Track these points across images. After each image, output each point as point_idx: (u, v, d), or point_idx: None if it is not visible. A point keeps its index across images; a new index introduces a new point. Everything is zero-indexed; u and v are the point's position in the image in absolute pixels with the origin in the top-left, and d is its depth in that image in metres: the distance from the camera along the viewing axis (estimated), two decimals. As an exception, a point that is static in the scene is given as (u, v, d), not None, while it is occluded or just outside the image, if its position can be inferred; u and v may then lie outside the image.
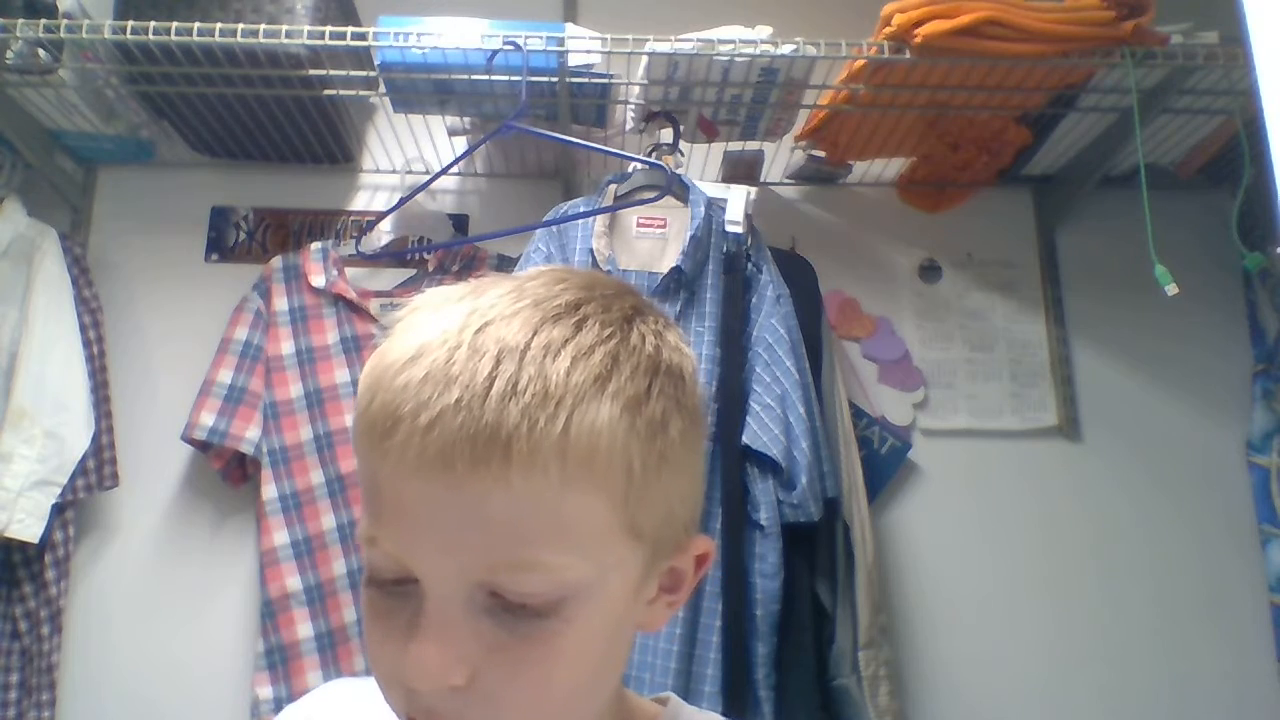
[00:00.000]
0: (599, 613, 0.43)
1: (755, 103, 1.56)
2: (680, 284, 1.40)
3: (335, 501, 1.52)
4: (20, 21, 1.38)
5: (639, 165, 1.48)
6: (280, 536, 1.51)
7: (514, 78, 1.41)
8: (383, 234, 1.76)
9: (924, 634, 1.64)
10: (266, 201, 1.80)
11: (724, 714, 0.58)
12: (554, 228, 1.48)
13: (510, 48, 1.39)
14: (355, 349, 1.59)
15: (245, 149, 1.76)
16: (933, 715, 1.61)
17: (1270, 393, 1.72)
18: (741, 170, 1.77)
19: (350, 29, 1.44)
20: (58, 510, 1.49)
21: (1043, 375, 1.77)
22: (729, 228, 1.45)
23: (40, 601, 1.49)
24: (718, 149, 1.73)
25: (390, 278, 1.71)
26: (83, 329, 1.58)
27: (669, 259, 1.43)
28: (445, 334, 0.42)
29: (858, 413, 1.68)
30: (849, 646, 1.42)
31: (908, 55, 1.41)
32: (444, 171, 1.55)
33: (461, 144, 1.68)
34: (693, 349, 1.44)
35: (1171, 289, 1.35)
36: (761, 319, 1.42)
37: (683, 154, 1.58)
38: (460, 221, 1.80)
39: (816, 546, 1.44)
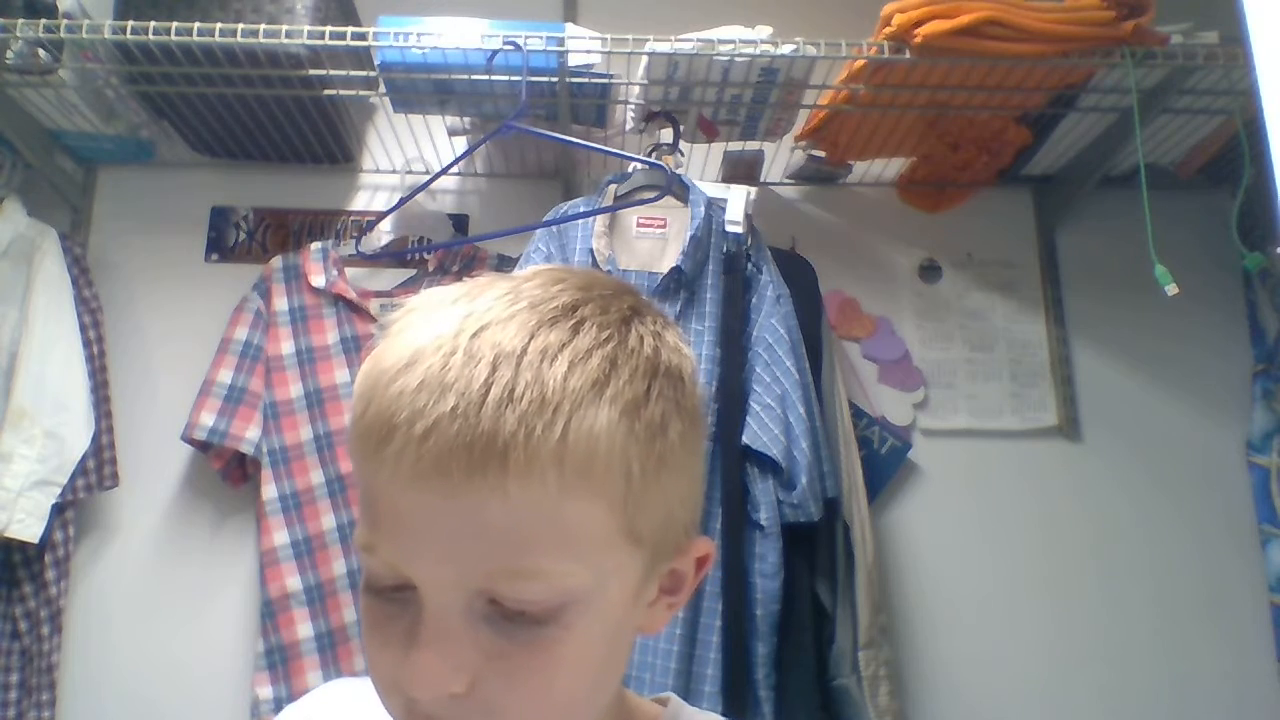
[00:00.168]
0: (599, 618, 0.43)
1: (755, 103, 1.56)
2: (680, 284, 1.40)
3: (335, 501, 1.52)
4: (20, 21, 1.38)
5: (639, 165, 1.48)
6: (280, 536, 1.51)
7: (514, 78, 1.41)
8: (383, 234, 1.76)
9: (924, 634, 1.64)
10: (266, 201, 1.80)
11: (724, 714, 0.58)
12: (554, 228, 1.48)
13: (510, 48, 1.39)
14: (355, 349, 1.59)
15: (245, 149, 1.76)
16: (933, 715, 1.61)
17: (1270, 393, 1.72)
18: (741, 170, 1.77)
19: (350, 29, 1.44)
20: (58, 510, 1.49)
21: (1043, 375, 1.77)
22: (729, 228, 1.45)
23: (40, 601, 1.49)
24: (718, 149, 1.73)
25: (390, 278, 1.71)
26: (83, 329, 1.58)
27: (669, 259, 1.43)
28: (440, 339, 0.41)
29: (858, 413, 1.68)
30: (849, 646, 1.42)
31: (908, 55, 1.41)
32: (444, 171, 1.55)
33: (461, 144, 1.68)
34: (693, 349, 1.44)
35: (1171, 289, 1.35)
36: (761, 319, 1.42)
37: (683, 154, 1.58)
38: (460, 221, 1.80)
39: (816, 546, 1.44)
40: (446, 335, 0.41)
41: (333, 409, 1.55)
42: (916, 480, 1.72)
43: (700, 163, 1.75)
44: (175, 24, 1.38)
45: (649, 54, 1.43)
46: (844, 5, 1.60)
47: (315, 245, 1.64)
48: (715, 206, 1.45)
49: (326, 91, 1.54)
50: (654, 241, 1.46)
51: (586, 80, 1.49)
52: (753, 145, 1.72)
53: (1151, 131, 1.56)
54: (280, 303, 1.60)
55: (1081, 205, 1.80)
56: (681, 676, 1.26)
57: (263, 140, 1.71)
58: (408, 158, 1.74)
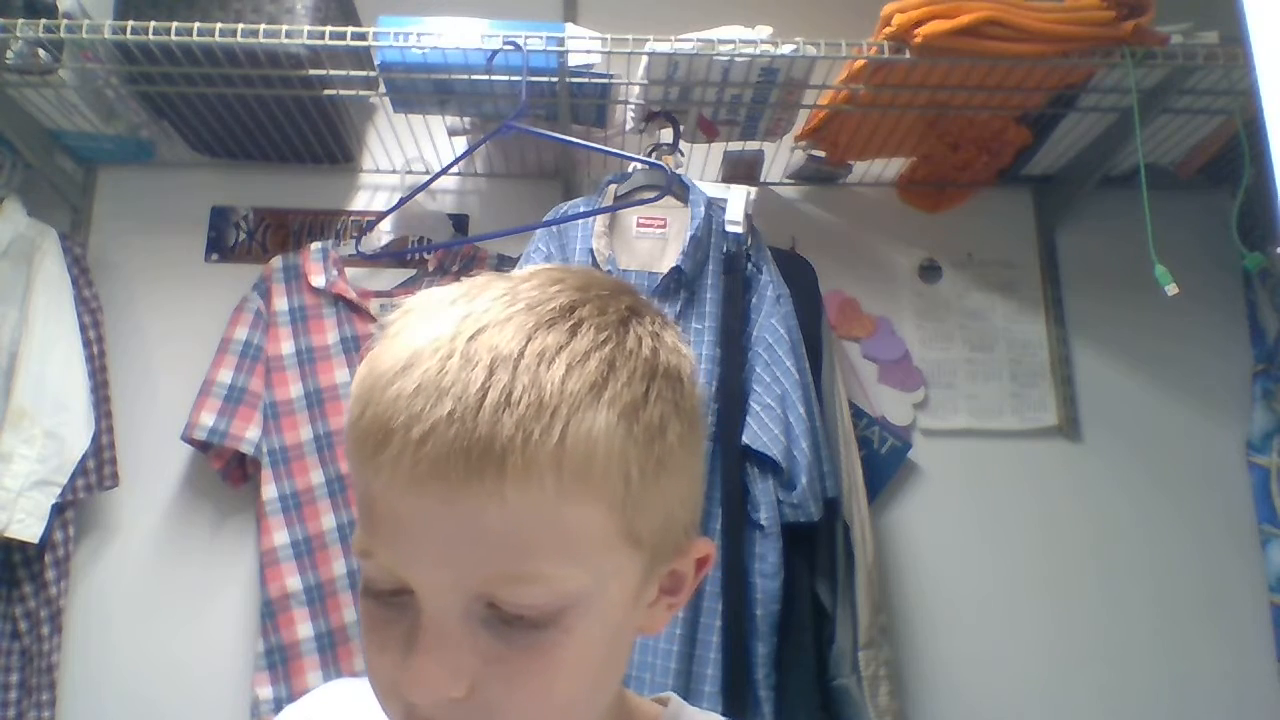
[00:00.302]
0: (598, 621, 0.43)
1: (755, 103, 1.56)
2: (680, 284, 1.40)
3: (335, 501, 1.52)
4: (20, 21, 1.38)
5: (639, 165, 1.48)
6: (280, 536, 1.51)
7: (514, 78, 1.41)
8: (383, 234, 1.76)
9: (924, 634, 1.64)
10: (266, 201, 1.80)
11: (724, 714, 0.58)
12: (554, 228, 1.48)
13: (510, 48, 1.39)
14: (355, 349, 1.59)
15: (245, 149, 1.76)
16: (933, 715, 1.61)
17: (1270, 393, 1.71)
18: (741, 170, 1.77)
19: (350, 29, 1.44)
20: (58, 510, 1.49)
21: (1043, 375, 1.77)
22: (729, 228, 1.45)
23: (40, 601, 1.49)
24: (718, 149, 1.73)
25: (390, 278, 1.71)
26: (83, 329, 1.58)
27: (669, 259, 1.43)
28: (437, 341, 0.41)
29: (858, 413, 1.68)
30: (849, 646, 1.42)
31: (908, 55, 1.41)
32: (444, 171, 1.55)
33: (461, 144, 1.68)
34: (692, 349, 1.44)
35: (1171, 289, 1.35)
36: (761, 319, 1.42)
37: (683, 154, 1.58)
38: (460, 221, 1.80)
39: (816, 546, 1.44)
40: (443, 338, 0.41)
41: (333, 409, 1.55)
42: (916, 480, 1.72)
43: (700, 163, 1.74)
44: (175, 24, 1.38)
45: (649, 54, 1.43)
46: (844, 5, 1.60)
47: (315, 245, 1.64)
48: (715, 206, 1.45)
49: (326, 91, 1.54)
50: (654, 241, 1.46)
51: (586, 80, 1.49)
52: (753, 145, 1.72)
53: (1151, 131, 1.56)
54: (280, 303, 1.60)
55: (1081, 205, 1.80)
56: (681, 676, 1.26)
57: (263, 140, 1.71)
58: (408, 158, 1.74)
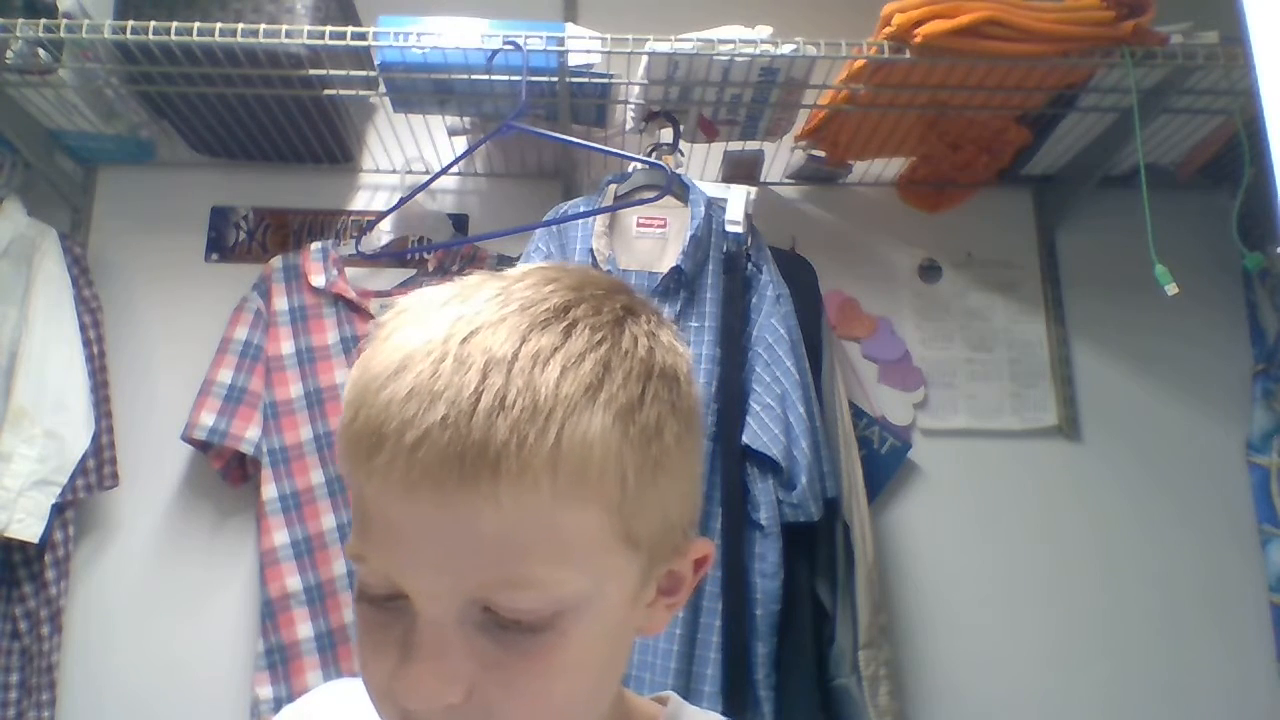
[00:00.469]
0: (596, 624, 0.43)
1: (755, 103, 1.56)
2: (680, 284, 1.40)
3: (335, 501, 1.52)
4: (20, 21, 1.38)
5: (639, 165, 1.48)
6: (280, 536, 1.51)
7: (514, 78, 1.41)
8: (383, 234, 1.76)
9: (924, 634, 1.64)
10: (266, 201, 1.80)
11: (724, 714, 0.57)
12: (554, 228, 1.48)
13: (510, 48, 1.39)
14: (355, 349, 1.59)
15: (245, 149, 1.76)
16: (933, 715, 1.61)
17: (1270, 393, 1.71)
18: (741, 170, 1.77)
19: (350, 29, 1.44)
20: (58, 510, 1.49)
21: (1043, 375, 1.77)
22: (729, 228, 1.45)
23: (40, 601, 1.49)
24: (718, 149, 1.73)
25: (390, 278, 1.71)
26: (83, 329, 1.58)
27: (669, 259, 1.43)
28: (430, 344, 0.40)
29: (858, 413, 1.68)
30: (849, 646, 1.42)
31: (908, 55, 1.41)
32: (444, 171, 1.55)
33: (461, 144, 1.68)
34: (692, 349, 1.43)
35: (1171, 289, 1.35)
36: (761, 319, 1.42)
37: (683, 154, 1.58)
38: (460, 221, 1.80)
39: (816, 546, 1.44)
40: (436, 340, 0.41)
41: (333, 409, 1.55)
42: (916, 480, 1.72)
43: (700, 163, 1.74)
44: (175, 24, 1.37)
45: (649, 54, 1.43)
46: (844, 5, 1.59)
47: (315, 245, 1.64)
48: (715, 206, 1.45)
49: (326, 91, 1.54)
50: (654, 241, 1.46)
51: (586, 80, 1.49)
52: (753, 145, 1.72)
53: (1151, 131, 1.56)
54: (280, 302, 1.60)
55: (1081, 205, 1.80)
56: (681, 676, 1.26)
57: (263, 140, 1.71)
58: (408, 158, 1.74)
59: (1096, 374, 1.78)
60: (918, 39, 1.37)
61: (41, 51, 1.44)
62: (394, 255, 1.72)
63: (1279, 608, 1.65)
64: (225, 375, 1.55)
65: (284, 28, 1.41)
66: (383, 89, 1.54)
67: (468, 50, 1.41)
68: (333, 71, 1.50)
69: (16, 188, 1.62)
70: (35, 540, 1.44)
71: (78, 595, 1.59)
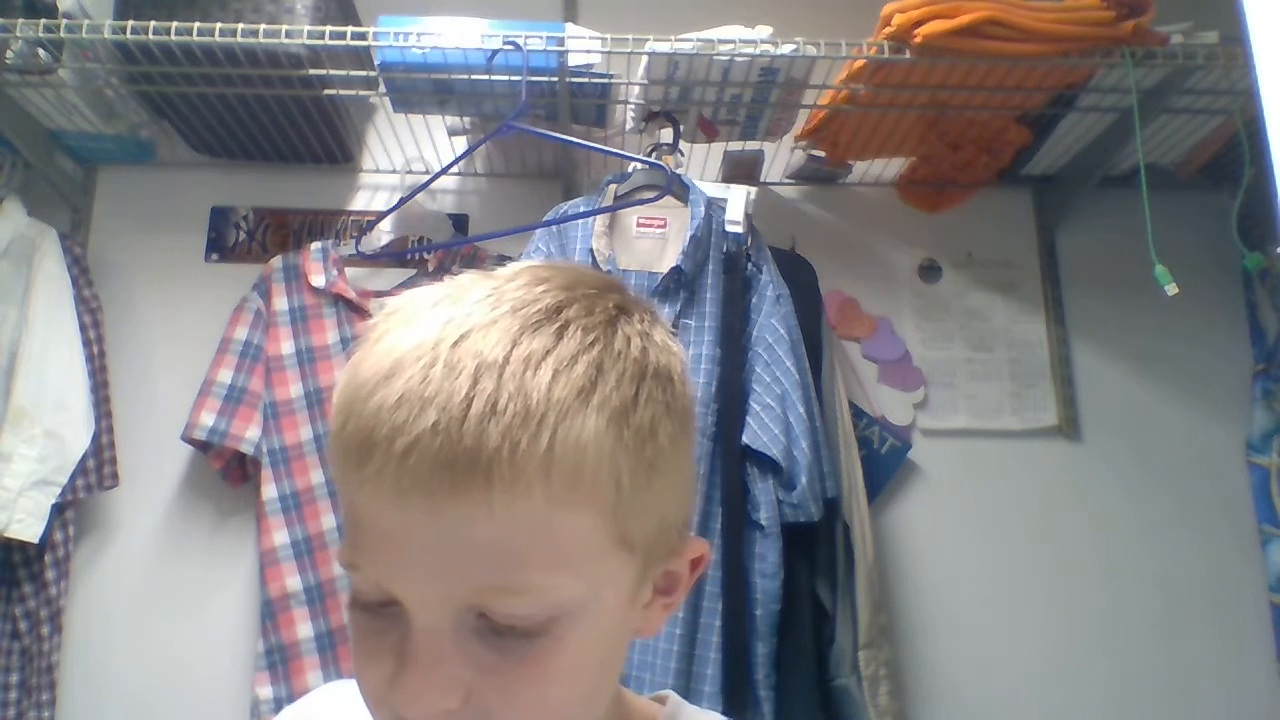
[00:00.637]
0: (592, 627, 0.42)
1: (755, 103, 1.56)
2: (680, 284, 1.40)
3: (335, 501, 1.52)
4: (20, 21, 1.38)
5: (639, 165, 1.48)
6: (280, 536, 1.51)
7: (514, 78, 1.41)
8: (383, 234, 1.76)
9: (924, 634, 1.64)
10: (266, 201, 1.80)
11: (724, 714, 0.57)
12: (554, 228, 1.48)
13: (510, 48, 1.39)
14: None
15: (245, 149, 1.76)
16: (933, 715, 1.61)
17: (1270, 393, 1.71)
18: (741, 170, 1.77)
19: (350, 29, 1.44)
20: (58, 510, 1.49)
21: (1043, 375, 1.77)
22: (729, 228, 1.45)
23: (40, 601, 1.49)
24: (718, 149, 1.73)
25: (390, 278, 1.71)
26: (83, 329, 1.58)
27: (669, 259, 1.43)
28: (420, 348, 0.40)
29: (858, 413, 1.68)
30: (849, 646, 1.42)
31: (908, 55, 1.41)
32: (444, 171, 1.55)
33: (461, 144, 1.68)
34: (692, 349, 1.43)
35: (1171, 289, 1.35)
36: (761, 319, 1.42)
37: (683, 154, 1.58)
38: (460, 221, 1.80)
39: (816, 546, 1.44)
40: (426, 344, 0.40)
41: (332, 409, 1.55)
42: (916, 480, 1.72)
43: (700, 163, 1.74)
44: (175, 24, 1.37)
45: (649, 54, 1.43)
46: (844, 5, 1.59)
47: (315, 245, 1.64)
48: (715, 206, 1.45)
49: (326, 91, 1.54)
50: (654, 241, 1.46)
51: (586, 80, 1.49)
52: (753, 145, 1.72)
53: (1151, 131, 1.56)
54: (280, 303, 1.60)
55: (1081, 205, 1.80)
56: (681, 676, 1.26)
57: (263, 140, 1.71)
58: (408, 158, 1.74)
59: (1096, 374, 1.78)
60: (918, 39, 1.37)
61: (41, 51, 1.44)
62: (394, 255, 1.72)
63: (1279, 608, 1.65)
64: (225, 375, 1.55)
65: (284, 28, 1.41)
66: (383, 89, 1.54)
67: (468, 50, 1.41)
68: (333, 71, 1.50)
69: (16, 188, 1.62)
70: (35, 540, 1.44)
71: (78, 595, 1.59)
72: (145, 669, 1.56)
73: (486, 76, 1.44)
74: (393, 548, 0.40)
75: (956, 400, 1.76)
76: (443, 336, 0.40)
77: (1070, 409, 1.75)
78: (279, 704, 1.44)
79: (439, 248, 1.72)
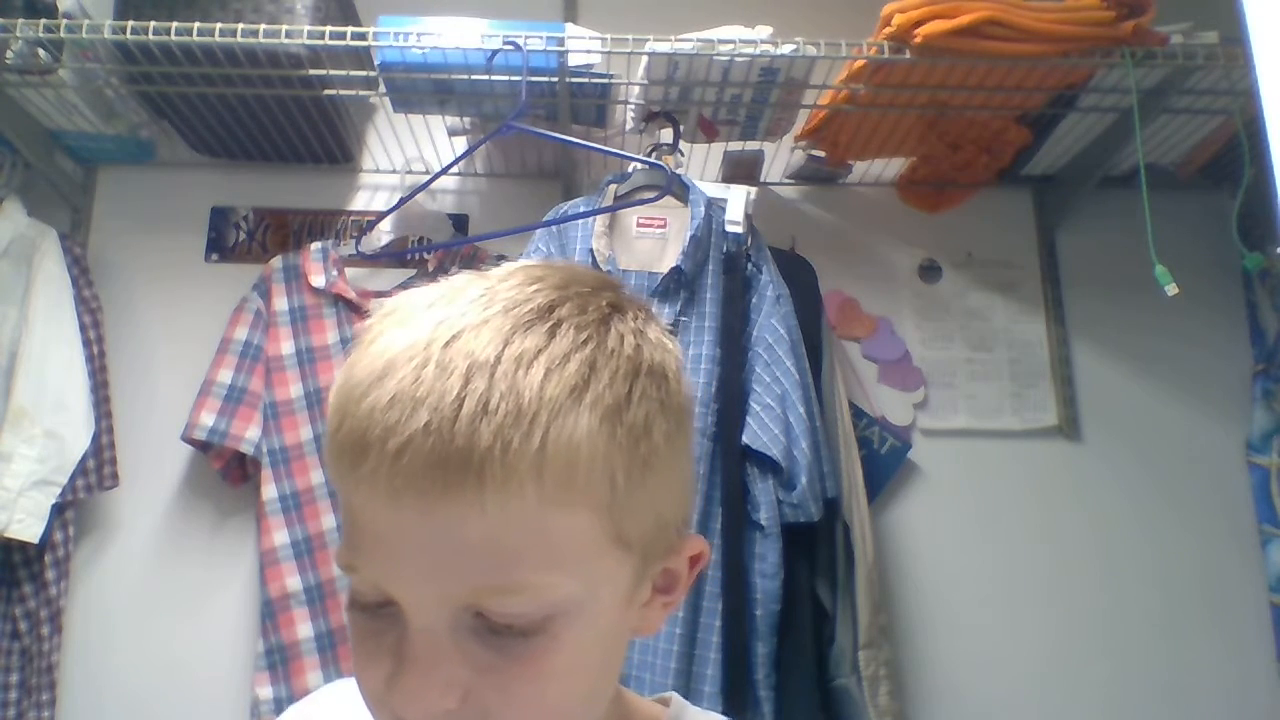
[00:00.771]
0: (590, 626, 0.42)
1: (755, 103, 1.56)
2: (680, 284, 1.40)
3: (335, 501, 1.52)
4: (20, 21, 1.38)
5: (639, 165, 1.48)
6: (280, 536, 1.51)
7: (514, 78, 1.41)
8: (383, 234, 1.76)
9: (924, 634, 1.64)
10: (266, 201, 1.80)
11: (724, 714, 0.57)
12: (554, 228, 1.48)
13: (510, 48, 1.39)
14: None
15: (245, 149, 1.76)
16: (933, 715, 1.61)
17: (1270, 393, 1.71)
18: (741, 170, 1.77)
19: (350, 29, 1.44)
20: (58, 510, 1.49)
21: (1043, 375, 1.77)
22: (729, 228, 1.45)
23: (40, 601, 1.49)
24: (718, 149, 1.73)
25: (390, 278, 1.71)
26: (83, 329, 1.58)
27: (669, 259, 1.43)
28: (412, 349, 0.40)
29: (858, 413, 1.68)
30: (849, 646, 1.42)
31: (908, 55, 1.41)
32: (444, 171, 1.55)
33: (461, 144, 1.68)
34: (692, 349, 1.43)
35: (1171, 289, 1.35)
36: (761, 319, 1.42)
37: (683, 154, 1.58)
38: (460, 221, 1.80)
39: (816, 546, 1.44)
40: (418, 345, 0.40)
41: (333, 409, 1.55)
42: (916, 480, 1.72)
43: (700, 163, 1.74)
44: (175, 24, 1.37)
45: (649, 54, 1.43)
46: (844, 5, 1.59)
47: (315, 245, 1.64)
48: (715, 206, 1.45)
49: (326, 91, 1.54)
50: (654, 241, 1.46)
51: (586, 80, 1.49)
52: (753, 145, 1.72)
53: (1151, 131, 1.56)
54: (280, 303, 1.60)
55: (1081, 205, 1.80)
56: (681, 676, 1.26)
57: (263, 140, 1.71)
58: (408, 158, 1.74)
59: (1096, 374, 1.78)
60: (918, 39, 1.37)
61: (41, 51, 1.44)
62: (394, 255, 1.72)
63: (1279, 608, 1.65)
64: (225, 375, 1.55)
65: (284, 28, 1.41)
66: (383, 89, 1.54)
67: (468, 50, 1.41)
68: (333, 71, 1.50)
69: (16, 188, 1.62)
70: (35, 540, 1.44)
71: (78, 595, 1.59)
72: (145, 669, 1.57)
73: (486, 76, 1.44)
74: (388, 548, 0.40)
75: (956, 400, 1.76)
76: (435, 336, 0.40)
77: (1070, 409, 1.75)
78: (279, 704, 1.44)
79: (439, 248, 1.72)
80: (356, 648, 0.43)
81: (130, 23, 1.38)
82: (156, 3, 1.48)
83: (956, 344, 1.78)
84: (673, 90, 1.53)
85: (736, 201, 1.46)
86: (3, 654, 1.49)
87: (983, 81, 1.50)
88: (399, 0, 1.59)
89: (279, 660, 1.47)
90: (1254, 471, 1.72)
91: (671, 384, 0.45)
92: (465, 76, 1.46)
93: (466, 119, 1.64)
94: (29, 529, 1.43)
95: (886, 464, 1.69)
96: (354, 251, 1.64)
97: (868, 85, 1.49)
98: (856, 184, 1.85)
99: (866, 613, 1.44)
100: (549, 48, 1.41)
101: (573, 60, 1.44)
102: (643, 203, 1.44)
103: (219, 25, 1.38)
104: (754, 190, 1.49)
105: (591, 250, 1.42)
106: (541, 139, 1.51)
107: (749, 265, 1.45)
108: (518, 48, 1.38)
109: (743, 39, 1.43)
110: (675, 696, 0.56)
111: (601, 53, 1.45)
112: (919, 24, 1.37)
